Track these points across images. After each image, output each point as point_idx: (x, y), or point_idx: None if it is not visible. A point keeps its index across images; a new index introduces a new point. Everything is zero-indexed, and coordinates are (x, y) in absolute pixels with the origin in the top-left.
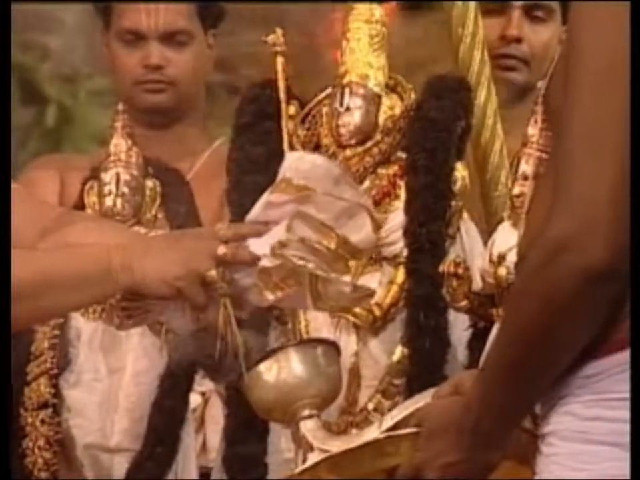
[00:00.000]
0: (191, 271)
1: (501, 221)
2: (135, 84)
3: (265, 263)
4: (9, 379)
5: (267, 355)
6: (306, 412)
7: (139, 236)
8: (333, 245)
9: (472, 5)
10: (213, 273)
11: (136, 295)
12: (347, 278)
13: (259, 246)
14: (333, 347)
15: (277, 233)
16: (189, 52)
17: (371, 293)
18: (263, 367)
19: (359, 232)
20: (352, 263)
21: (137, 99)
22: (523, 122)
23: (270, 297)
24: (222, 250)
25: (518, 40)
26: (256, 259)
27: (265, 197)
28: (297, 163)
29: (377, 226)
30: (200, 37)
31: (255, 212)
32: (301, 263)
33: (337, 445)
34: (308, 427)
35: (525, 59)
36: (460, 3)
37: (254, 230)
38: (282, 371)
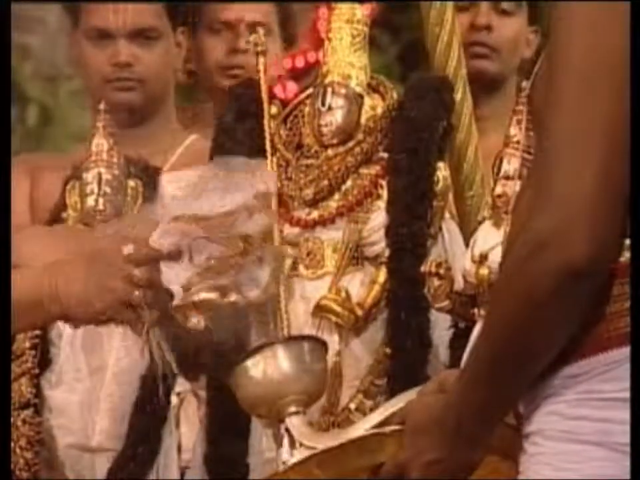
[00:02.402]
0: (114, 300)
1: (482, 220)
2: (104, 82)
3: (176, 302)
4: (9, 379)
5: (254, 351)
6: (292, 408)
7: (73, 249)
8: (240, 245)
9: (449, 5)
10: (135, 296)
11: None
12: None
13: (170, 279)
14: (319, 344)
15: (183, 266)
16: (158, 50)
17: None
18: (249, 362)
19: (259, 223)
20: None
21: (106, 97)
22: (495, 118)
23: (191, 324)
24: (137, 275)
25: (488, 28)
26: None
27: (160, 229)
28: (172, 188)
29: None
30: (169, 34)
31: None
32: (206, 298)
33: (322, 442)
34: (294, 424)
35: (496, 47)
36: (437, 3)
37: (159, 253)
38: (268, 367)
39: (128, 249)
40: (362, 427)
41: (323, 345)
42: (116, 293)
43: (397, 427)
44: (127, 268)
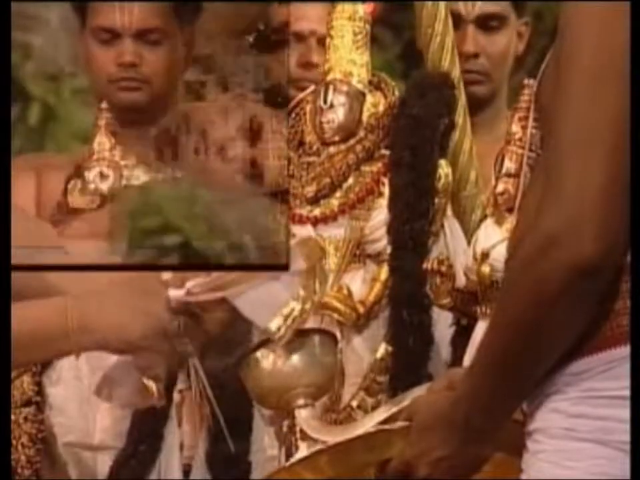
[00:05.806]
0: (152, 327)
1: (483, 218)
2: (109, 82)
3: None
4: (9, 377)
5: (265, 342)
6: (301, 401)
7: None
8: None
9: (442, 5)
10: (175, 325)
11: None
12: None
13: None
14: (330, 337)
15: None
16: (164, 50)
17: None
18: (259, 354)
19: None
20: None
21: (111, 98)
22: (490, 125)
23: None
24: (175, 300)
25: (475, 55)
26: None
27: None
28: None
29: None
30: (176, 34)
31: None
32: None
33: (331, 435)
34: (302, 416)
35: (485, 72)
36: (430, 3)
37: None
38: (278, 358)
39: (166, 275)
40: (370, 422)
41: (334, 338)
42: (154, 319)
43: (404, 424)
44: (164, 293)
